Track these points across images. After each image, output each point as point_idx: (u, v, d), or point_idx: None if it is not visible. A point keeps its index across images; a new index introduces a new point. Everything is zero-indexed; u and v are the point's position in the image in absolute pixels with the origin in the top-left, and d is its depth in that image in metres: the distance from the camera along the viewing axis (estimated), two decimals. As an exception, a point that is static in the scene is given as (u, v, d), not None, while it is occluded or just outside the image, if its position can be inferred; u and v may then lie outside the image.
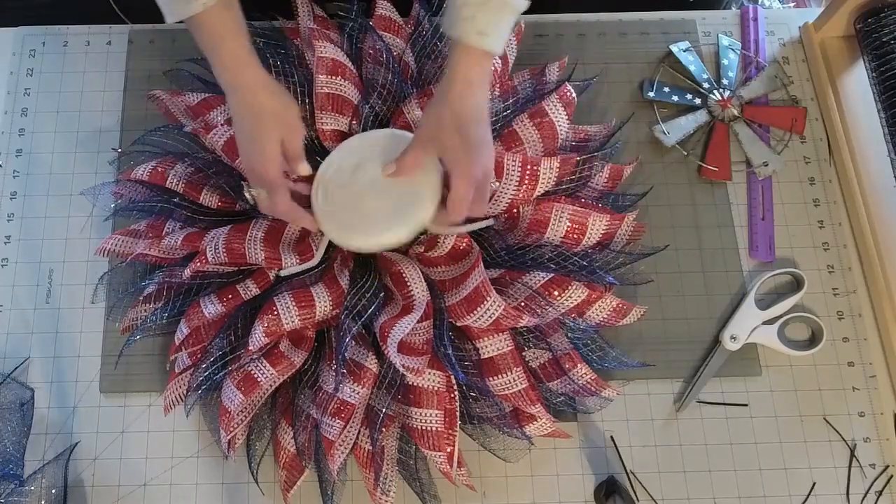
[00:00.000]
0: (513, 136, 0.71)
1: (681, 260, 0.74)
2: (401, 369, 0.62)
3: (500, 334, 0.65)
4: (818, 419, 0.69)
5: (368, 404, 0.66)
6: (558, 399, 0.68)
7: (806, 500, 0.67)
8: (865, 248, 0.73)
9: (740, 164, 0.77)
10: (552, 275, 0.66)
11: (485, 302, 0.63)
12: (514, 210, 0.70)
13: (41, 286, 0.73)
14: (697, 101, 0.79)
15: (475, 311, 0.63)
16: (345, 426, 0.63)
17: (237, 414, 0.64)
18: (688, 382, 0.70)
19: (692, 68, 0.80)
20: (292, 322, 0.64)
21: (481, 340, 0.66)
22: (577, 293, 0.66)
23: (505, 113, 0.72)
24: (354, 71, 0.74)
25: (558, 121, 0.71)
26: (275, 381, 0.65)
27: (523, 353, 0.67)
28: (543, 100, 0.72)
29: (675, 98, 0.79)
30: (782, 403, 0.70)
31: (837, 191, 0.77)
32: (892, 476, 0.67)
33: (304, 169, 0.65)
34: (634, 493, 0.66)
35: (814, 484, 0.67)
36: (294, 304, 0.65)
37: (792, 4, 1.50)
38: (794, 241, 0.75)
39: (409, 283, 0.67)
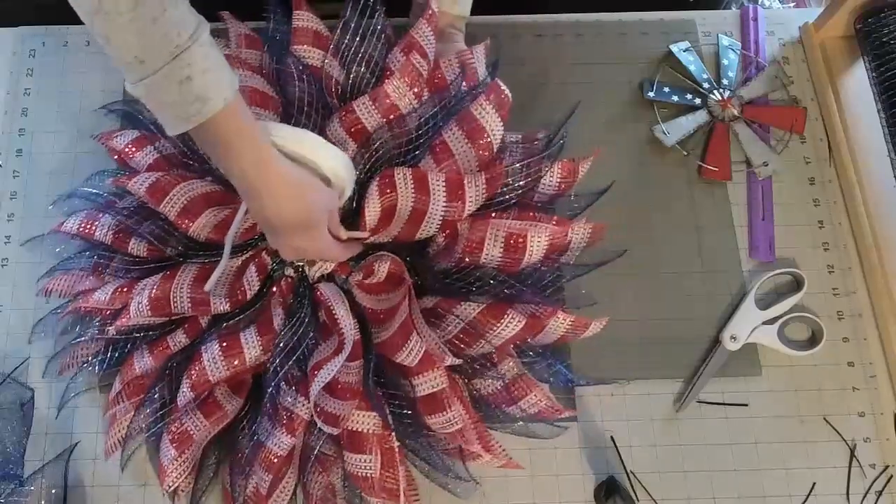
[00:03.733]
0: (443, 147, 0.67)
1: (681, 260, 0.74)
2: (322, 425, 0.60)
3: (435, 370, 0.62)
4: (818, 419, 0.69)
5: (307, 443, 0.64)
6: (517, 424, 0.66)
7: (806, 500, 0.67)
8: (865, 248, 0.73)
9: (740, 164, 0.77)
10: (485, 304, 0.63)
11: (409, 340, 0.61)
12: (451, 230, 0.67)
13: (41, 286, 0.73)
14: (697, 101, 0.79)
15: (402, 350, 0.61)
16: (277, 481, 0.61)
17: (173, 471, 0.62)
18: (688, 382, 0.70)
19: (692, 68, 0.80)
20: (219, 373, 0.62)
21: (417, 378, 0.62)
22: (514, 322, 0.62)
23: (433, 123, 0.68)
24: (274, 95, 0.72)
25: (491, 126, 0.66)
26: (208, 433, 0.63)
27: (473, 382, 0.65)
28: (471, 103, 0.67)
29: (675, 98, 0.79)
30: (782, 403, 0.69)
31: (837, 191, 0.77)
32: (892, 476, 0.67)
33: (345, 234, 0.67)
34: (634, 493, 0.66)
35: (814, 484, 0.67)
36: (221, 353, 0.63)
37: (792, 4, 1.50)
38: (794, 241, 0.75)
39: (338, 320, 0.64)
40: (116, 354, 0.67)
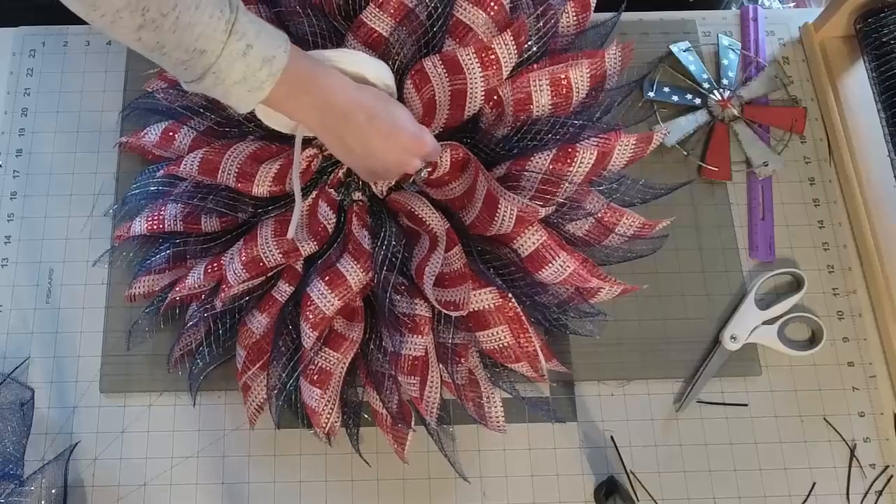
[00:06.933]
0: (458, 24, 0.68)
1: (681, 260, 0.74)
2: (443, 310, 0.61)
3: (531, 227, 0.64)
4: (818, 419, 0.69)
5: (438, 342, 0.65)
6: (616, 254, 0.71)
7: (806, 500, 0.67)
8: (865, 248, 0.73)
9: (740, 164, 0.77)
10: (555, 150, 0.65)
11: (498, 209, 0.62)
12: (496, 97, 0.69)
13: (41, 286, 0.73)
14: (697, 101, 0.79)
15: (494, 221, 0.63)
16: (423, 381, 0.63)
17: (322, 409, 0.64)
18: (688, 382, 0.70)
19: (692, 68, 0.80)
20: (332, 306, 0.64)
21: (516, 241, 0.64)
22: (587, 155, 0.64)
23: (442, 6, 0.68)
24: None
25: None
26: (343, 364, 0.65)
27: (566, 228, 0.67)
28: None
29: (675, 98, 0.79)
30: (782, 403, 0.70)
31: (837, 191, 0.77)
32: (892, 476, 0.67)
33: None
34: (634, 493, 0.66)
35: (814, 484, 0.67)
36: (327, 288, 0.64)
37: (792, 4, 1.50)
38: (794, 241, 0.75)
39: (423, 218, 0.66)
40: (227, 328, 0.68)
